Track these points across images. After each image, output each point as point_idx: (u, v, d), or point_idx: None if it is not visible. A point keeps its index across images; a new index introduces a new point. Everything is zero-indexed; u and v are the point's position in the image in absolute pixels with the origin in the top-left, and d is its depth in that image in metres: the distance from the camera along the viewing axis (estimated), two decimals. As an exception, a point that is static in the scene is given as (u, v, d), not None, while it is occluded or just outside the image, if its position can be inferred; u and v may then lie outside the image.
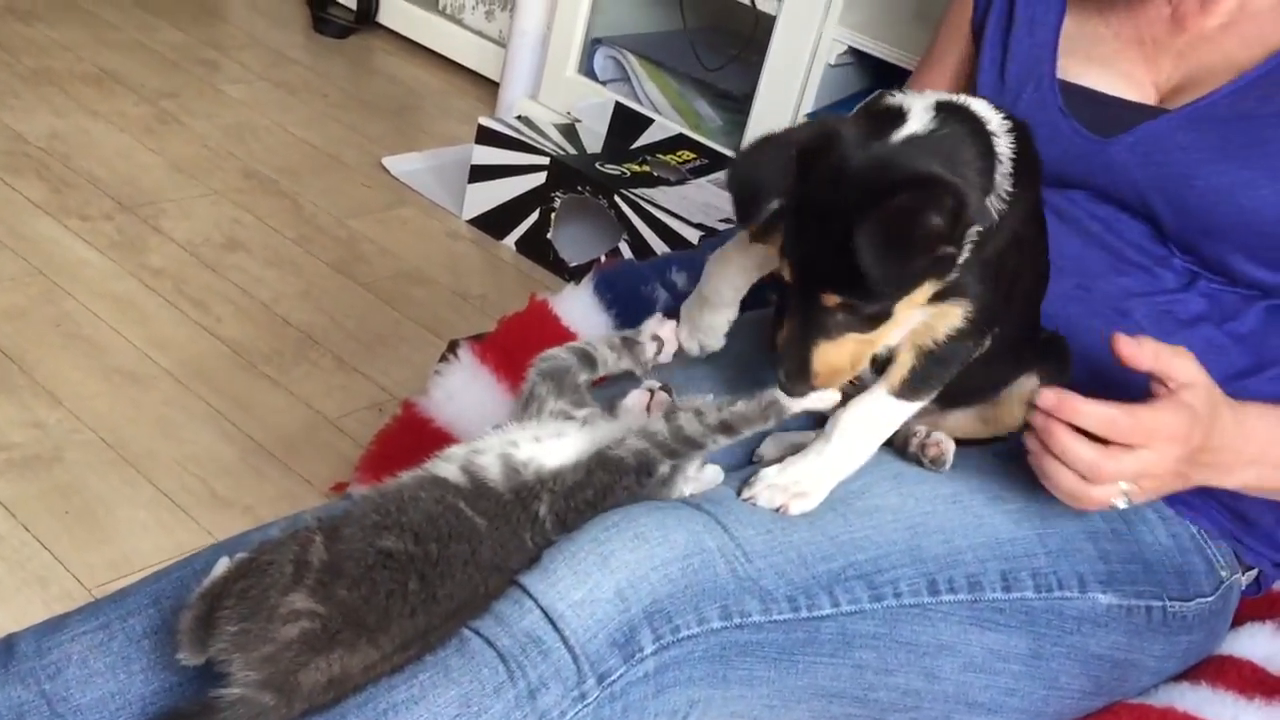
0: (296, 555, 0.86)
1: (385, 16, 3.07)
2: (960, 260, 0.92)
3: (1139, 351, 0.95)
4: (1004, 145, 0.94)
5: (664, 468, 0.96)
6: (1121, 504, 0.98)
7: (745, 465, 1.14)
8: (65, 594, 1.38)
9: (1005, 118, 0.95)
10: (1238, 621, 1.24)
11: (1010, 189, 0.93)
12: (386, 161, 2.48)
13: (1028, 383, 1.07)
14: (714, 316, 1.09)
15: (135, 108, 2.49)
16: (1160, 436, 0.96)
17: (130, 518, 1.51)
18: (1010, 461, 1.10)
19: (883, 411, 1.00)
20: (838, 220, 0.86)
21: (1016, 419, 1.08)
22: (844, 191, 0.87)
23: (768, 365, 1.16)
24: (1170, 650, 1.13)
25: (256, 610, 0.84)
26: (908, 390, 0.99)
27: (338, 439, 1.72)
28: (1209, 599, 1.12)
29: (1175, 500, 1.09)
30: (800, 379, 0.94)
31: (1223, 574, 1.13)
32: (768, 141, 0.92)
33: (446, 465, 0.95)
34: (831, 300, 0.91)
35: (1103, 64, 1.09)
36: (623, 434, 0.96)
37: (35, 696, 0.91)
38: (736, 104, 2.54)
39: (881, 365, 1.01)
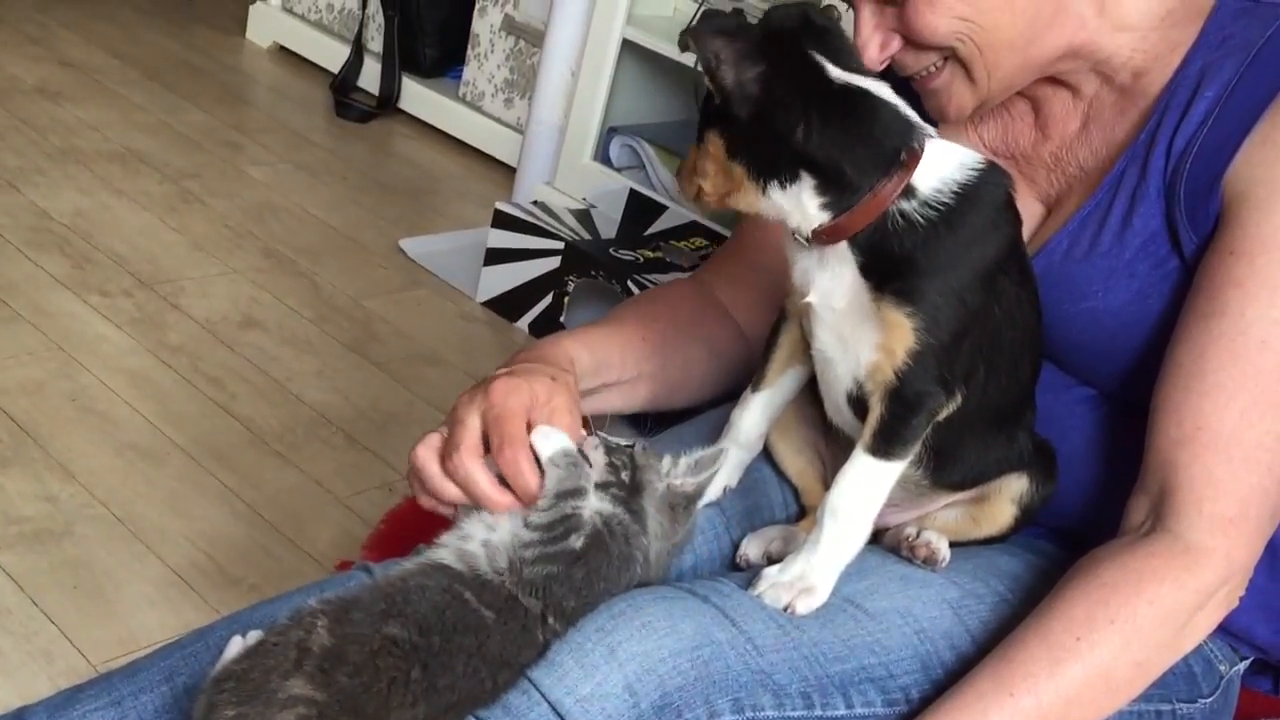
0: (299, 640, 0.86)
1: (406, 102, 3.13)
2: (780, 190, 0.96)
3: None
4: (944, 163, 0.96)
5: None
6: None
7: (735, 566, 1.15)
8: (71, 670, 1.38)
9: (981, 159, 0.98)
10: (1251, 719, 1.24)
11: (945, 207, 0.95)
12: (404, 243, 2.51)
13: (1017, 483, 1.09)
14: (739, 454, 1.14)
15: (159, 186, 2.53)
16: None
17: (138, 594, 1.51)
18: (1012, 560, 1.11)
19: (865, 477, 1.00)
20: None
21: (1007, 517, 1.10)
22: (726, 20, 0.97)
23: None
24: (1178, 753, 1.13)
25: (255, 694, 0.84)
26: (883, 444, 0.99)
27: (347, 518, 1.73)
28: (1209, 699, 1.12)
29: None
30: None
31: (1221, 669, 1.13)
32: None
33: (444, 551, 0.96)
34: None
35: None
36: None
37: (43, 776, 0.91)
38: (749, 194, 2.58)
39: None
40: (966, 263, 0.97)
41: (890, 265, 0.96)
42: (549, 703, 0.88)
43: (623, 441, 1.02)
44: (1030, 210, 1.15)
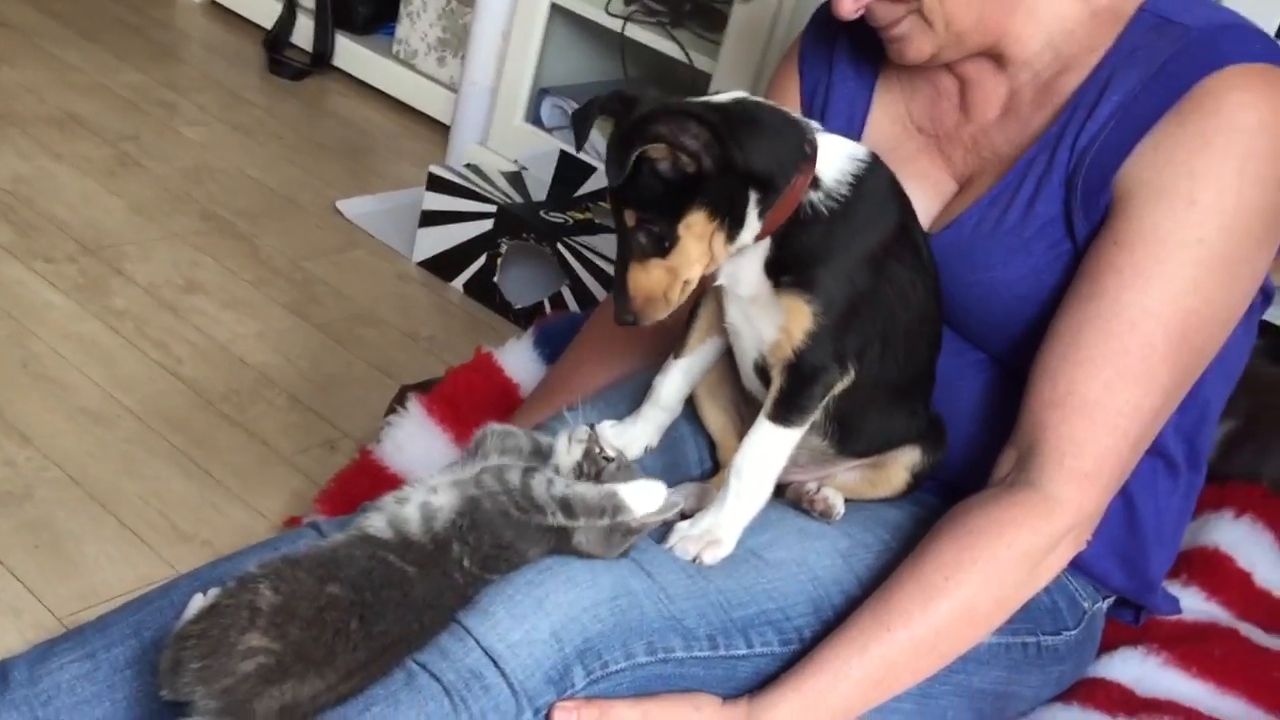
0: (249, 601, 0.97)
1: (340, 60, 3.17)
2: (750, 223, 1.05)
3: None
4: (836, 157, 1.08)
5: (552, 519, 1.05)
6: None
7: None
8: (38, 623, 1.48)
9: (860, 149, 1.10)
10: (1114, 646, 1.38)
11: (845, 196, 1.07)
12: (340, 204, 2.58)
13: (912, 453, 1.21)
14: (660, 416, 1.24)
15: (97, 150, 2.58)
16: None
17: (97, 551, 1.61)
18: (898, 512, 1.24)
19: (767, 441, 1.12)
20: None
21: (900, 482, 1.22)
22: (629, 121, 1.04)
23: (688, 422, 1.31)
24: (1045, 679, 1.27)
25: (217, 648, 0.96)
26: (783, 413, 1.11)
27: (291, 475, 1.82)
28: (1074, 631, 1.26)
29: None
30: (621, 303, 1.08)
31: (1084, 605, 1.27)
32: (600, 96, 1.10)
33: (377, 517, 1.07)
34: (630, 218, 1.05)
35: (900, 165, 1.18)
36: (482, 474, 1.06)
37: (29, 723, 1.01)
38: (675, 154, 2.67)
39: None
40: (855, 248, 1.08)
41: (793, 256, 1.08)
42: (482, 648, 0.99)
43: (611, 453, 1.12)
44: (944, 187, 1.27)
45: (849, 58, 1.33)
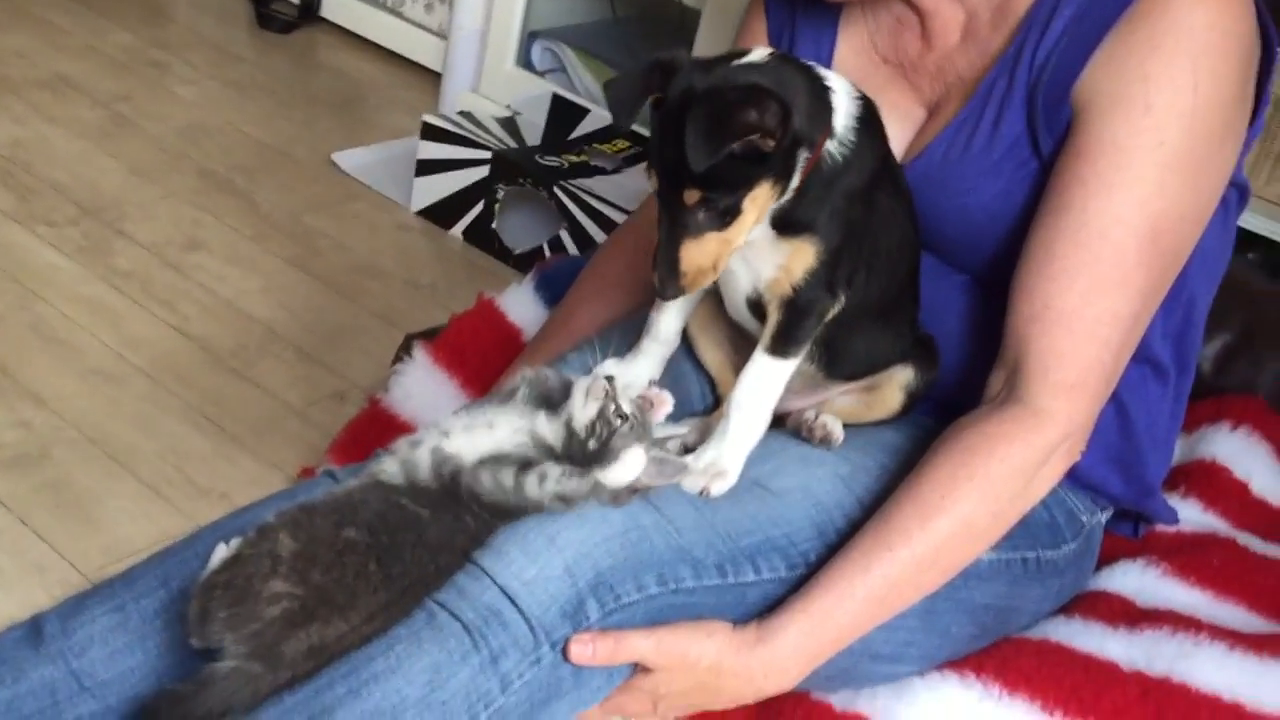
0: (270, 550, 1.00)
1: (328, 10, 3.16)
2: (795, 181, 1.06)
3: (585, 653, 1.04)
4: (843, 101, 1.09)
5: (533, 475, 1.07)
6: None
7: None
8: (63, 580, 1.52)
9: (853, 87, 1.12)
10: (1113, 559, 1.41)
11: (852, 141, 1.09)
12: (336, 157, 2.59)
13: (904, 372, 1.24)
14: (660, 350, 1.26)
15: (91, 112, 2.58)
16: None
17: (117, 508, 1.64)
18: (896, 434, 1.27)
19: (764, 373, 1.14)
20: (681, 118, 1.01)
21: (896, 402, 1.25)
22: (687, 95, 1.03)
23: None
24: (1045, 593, 1.30)
25: (242, 596, 0.99)
26: (780, 345, 1.13)
27: (303, 427, 1.85)
28: (1072, 544, 1.28)
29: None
30: (670, 279, 1.07)
31: (1082, 518, 1.30)
32: (634, 68, 1.08)
33: (390, 461, 1.09)
34: (691, 197, 1.04)
35: (871, 96, 1.16)
36: (489, 457, 1.07)
37: (65, 674, 1.05)
38: (667, 92, 2.67)
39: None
40: (853, 186, 1.10)
41: (805, 204, 1.09)
42: (499, 586, 1.02)
43: (628, 409, 1.11)
44: (913, 115, 1.28)
45: None
